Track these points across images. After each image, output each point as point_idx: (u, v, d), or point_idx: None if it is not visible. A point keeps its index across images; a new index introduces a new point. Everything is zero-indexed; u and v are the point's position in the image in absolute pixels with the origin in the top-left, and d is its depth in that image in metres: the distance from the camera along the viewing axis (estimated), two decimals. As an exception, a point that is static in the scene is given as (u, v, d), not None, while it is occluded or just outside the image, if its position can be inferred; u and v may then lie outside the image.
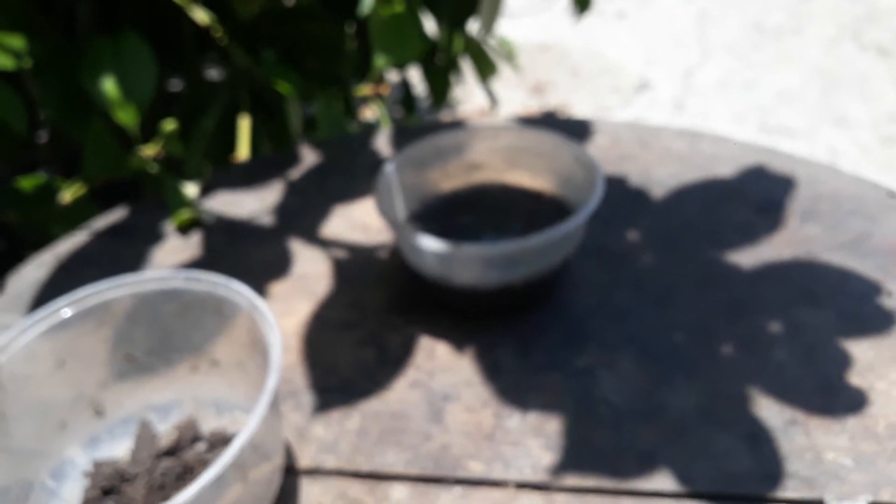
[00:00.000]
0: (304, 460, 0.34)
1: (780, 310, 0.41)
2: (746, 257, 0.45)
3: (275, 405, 0.32)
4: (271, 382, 0.29)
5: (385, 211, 0.41)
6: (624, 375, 0.38)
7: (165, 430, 0.36)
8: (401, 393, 0.38)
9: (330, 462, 0.34)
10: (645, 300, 0.43)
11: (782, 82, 1.85)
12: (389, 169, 0.44)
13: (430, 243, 0.38)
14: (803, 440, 0.34)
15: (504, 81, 1.80)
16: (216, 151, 0.64)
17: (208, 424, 0.37)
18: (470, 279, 0.40)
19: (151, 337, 0.37)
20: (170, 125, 0.56)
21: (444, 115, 1.65)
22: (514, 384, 0.38)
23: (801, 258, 0.44)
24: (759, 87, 1.83)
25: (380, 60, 0.65)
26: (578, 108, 1.75)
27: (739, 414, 0.35)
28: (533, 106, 1.76)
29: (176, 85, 0.77)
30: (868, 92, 1.79)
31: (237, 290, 0.34)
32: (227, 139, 0.66)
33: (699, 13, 2.16)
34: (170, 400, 0.38)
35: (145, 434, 0.36)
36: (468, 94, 1.73)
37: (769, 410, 0.35)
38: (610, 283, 0.44)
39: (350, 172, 0.56)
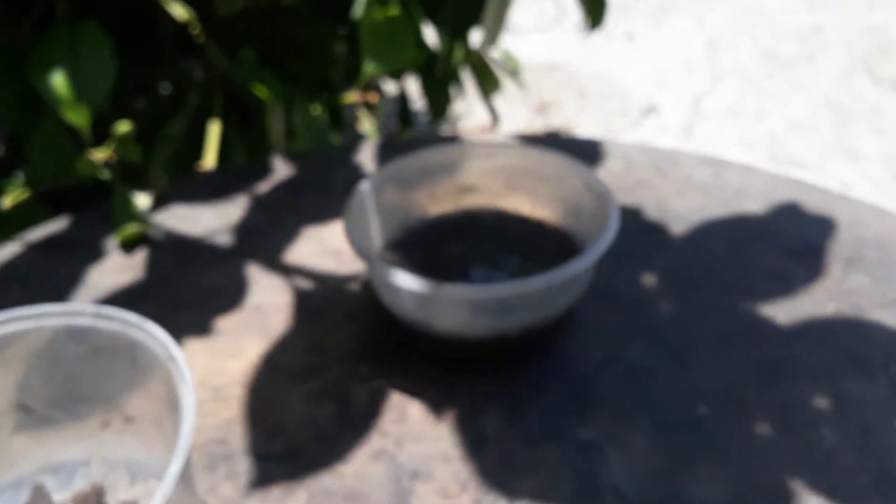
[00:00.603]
0: (229, 554, 0.27)
1: (823, 378, 0.34)
2: (781, 310, 0.38)
3: (188, 483, 0.25)
4: (176, 466, 0.22)
5: (355, 238, 0.34)
6: (637, 455, 0.31)
7: (63, 501, 0.29)
8: (360, 466, 0.31)
9: (261, 558, 0.27)
10: (662, 357, 0.36)
11: (793, 113, 1.79)
12: (365, 188, 0.38)
13: (407, 281, 0.31)
14: (863, 556, 0.27)
15: (507, 99, 1.74)
16: (183, 159, 0.58)
17: (118, 494, 0.29)
18: (454, 326, 0.33)
19: (53, 384, 0.29)
20: (124, 127, 0.49)
21: (444, 131, 1.59)
22: (501, 460, 0.31)
23: (846, 315, 0.38)
24: (769, 117, 1.77)
25: (369, 66, 0.58)
26: (584, 131, 1.69)
27: (781, 516, 0.28)
28: (537, 125, 1.70)
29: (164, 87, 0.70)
30: (881, 126, 1.73)
31: (153, 335, 0.27)
32: (197, 146, 0.59)
33: (710, 39, 2.11)
34: (74, 460, 0.30)
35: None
36: (469, 110, 1.67)
37: (819, 513, 0.28)
38: (621, 334, 0.37)
39: (327, 188, 0.49)
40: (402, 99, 0.99)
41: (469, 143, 0.41)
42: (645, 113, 1.80)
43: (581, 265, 0.32)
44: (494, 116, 1.05)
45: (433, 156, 0.41)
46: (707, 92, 1.90)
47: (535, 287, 0.31)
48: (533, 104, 1.76)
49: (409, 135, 0.88)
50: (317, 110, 0.66)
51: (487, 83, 0.98)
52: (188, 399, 0.24)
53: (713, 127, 1.74)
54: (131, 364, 0.28)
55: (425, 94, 0.93)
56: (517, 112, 1.71)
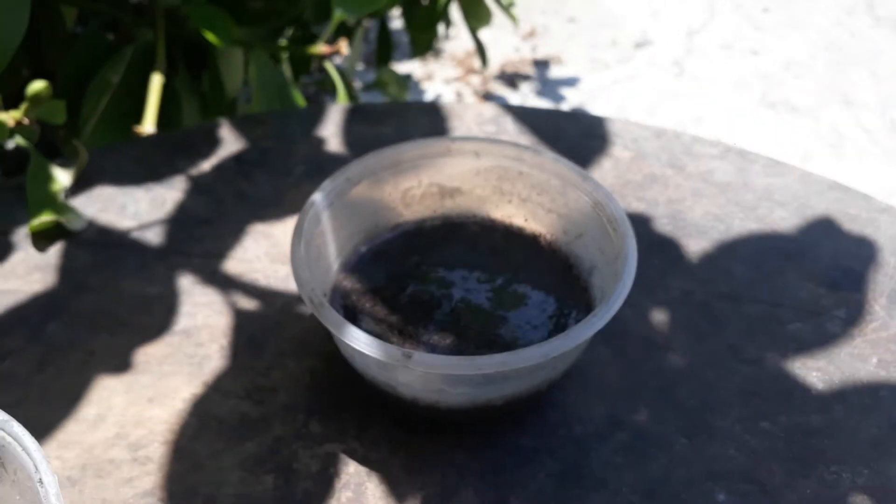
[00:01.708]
0: None
1: (866, 458, 0.29)
2: (816, 361, 0.32)
3: None
4: None
5: (303, 278, 0.27)
6: (644, 568, 0.25)
7: None
8: (303, 575, 0.25)
9: None
10: (674, 421, 0.30)
11: (789, 52, 1.71)
12: (319, 201, 0.30)
13: (362, 343, 0.25)
14: None
15: (492, 24, 1.62)
16: (116, 121, 0.49)
17: None
18: (424, 394, 0.27)
19: None
20: (37, 85, 0.41)
21: (426, 60, 1.48)
22: (477, 570, 0.25)
23: (892, 372, 0.32)
24: (764, 55, 1.69)
25: (338, 11, 0.49)
26: (572, 63, 1.59)
27: None
28: (524, 53, 1.60)
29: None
30: (879, 71, 1.66)
31: (21, 443, 0.20)
32: (136, 104, 0.50)
33: (710, -34, 1.98)
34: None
35: None
36: (454, 35, 1.56)
37: None
38: (628, 390, 0.31)
39: (283, 169, 0.42)
40: (383, 28, 0.89)
41: (453, 138, 0.34)
42: (637, 46, 1.70)
43: (589, 330, 0.25)
44: (483, 55, 0.96)
45: (410, 151, 0.33)
46: (702, 24, 1.80)
47: (529, 360, 0.24)
48: (520, 30, 1.65)
49: (387, 76, 0.78)
50: (284, 62, 0.57)
51: (477, 16, 0.89)
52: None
53: (706, 63, 1.65)
54: None
55: (408, 29, 0.84)
56: (504, 38, 1.61)
